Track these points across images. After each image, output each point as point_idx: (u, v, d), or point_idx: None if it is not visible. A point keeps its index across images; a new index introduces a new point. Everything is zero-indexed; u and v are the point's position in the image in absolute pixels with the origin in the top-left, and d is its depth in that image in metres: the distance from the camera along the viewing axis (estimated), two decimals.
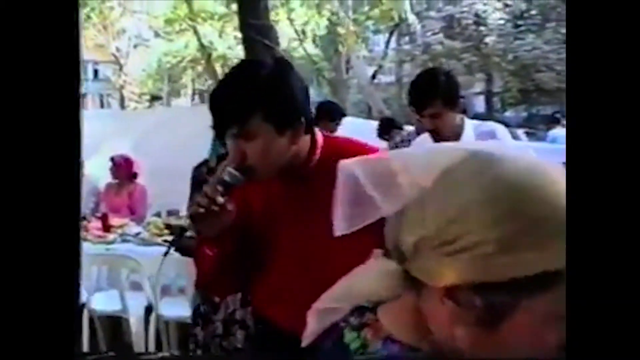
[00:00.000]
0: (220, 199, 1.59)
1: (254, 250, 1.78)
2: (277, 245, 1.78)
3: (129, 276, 4.10)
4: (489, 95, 19.32)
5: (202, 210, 1.59)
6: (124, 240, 4.56)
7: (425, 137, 2.98)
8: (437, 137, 2.88)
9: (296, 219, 1.74)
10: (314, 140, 1.70)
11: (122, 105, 20.94)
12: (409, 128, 6.20)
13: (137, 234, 4.63)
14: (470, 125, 2.92)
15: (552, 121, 11.71)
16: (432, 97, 2.76)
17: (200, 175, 3.32)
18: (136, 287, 4.08)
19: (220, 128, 1.61)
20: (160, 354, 3.88)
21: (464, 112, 3.19)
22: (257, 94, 1.56)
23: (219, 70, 20.27)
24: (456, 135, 2.89)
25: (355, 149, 1.78)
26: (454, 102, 2.82)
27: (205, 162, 3.48)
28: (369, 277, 0.88)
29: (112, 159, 5.55)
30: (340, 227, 0.90)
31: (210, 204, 1.59)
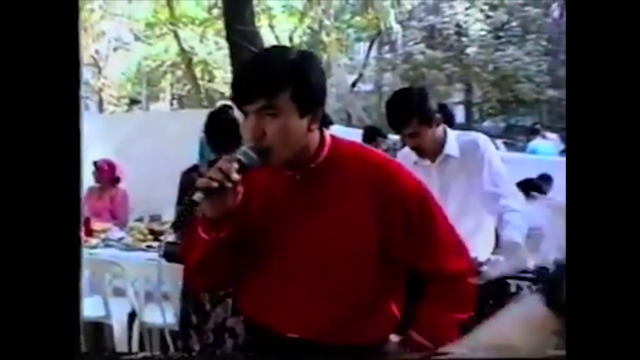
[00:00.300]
0: (236, 176, 1.57)
1: (249, 245, 1.75)
2: (274, 243, 1.75)
3: (112, 281, 4.05)
4: (468, 105, 19.43)
5: (215, 184, 1.56)
6: (107, 245, 4.51)
7: (408, 150, 3.01)
8: (420, 151, 2.91)
9: (297, 216, 1.72)
10: (322, 138, 1.71)
11: (101, 109, 20.75)
12: (394, 137, 6.22)
13: (120, 238, 4.58)
14: (452, 136, 2.97)
15: (532, 132, 11.83)
16: (408, 118, 2.83)
17: (190, 181, 3.30)
18: (119, 292, 4.03)
19: (245, 101, 1.59)
20: (141, 354, 3.82)
21: (449, 122, 3.22)
22: (288, 71, 1.59)
23: (199, 75, 20.19)
24: (439, 147, 2.92)
25: (361, 152, 1.81)
26: (430, 119, 2.87)
27: (195, 168, 3.46)
28: (526, 330, 0.78)
29: (95, 163, 5.50)
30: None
31: (225, 179, 1.57)
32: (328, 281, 1.72)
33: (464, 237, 2.83)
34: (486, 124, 19.68)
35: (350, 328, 1.73)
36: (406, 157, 3.03)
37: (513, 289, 2.27)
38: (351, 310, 1.73)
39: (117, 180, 5.62)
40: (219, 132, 3.35)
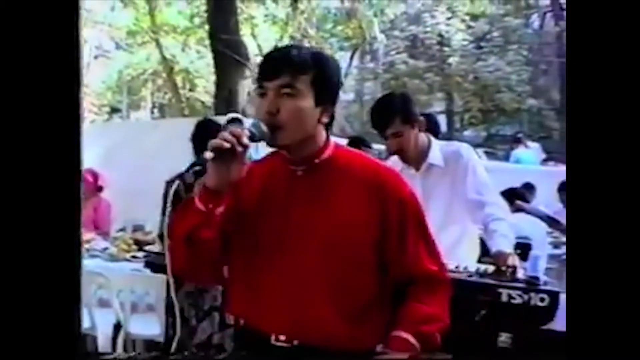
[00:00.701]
0: (246, 141, 1.61)
1: (241, 237, 1.75)
2: (268, 238, 1.74)
3: (97, 292, 4.01)
4: (449, 114, 19.51)
5: (227, 145, 1.59)
6: (92, 256, 4.46)
7: (395, 160, 3.03)
8: (404, 156, 2.93)
9: (294, 212, 1.74)
10: (328, 138, 1.78)
11: None
12: (379, 147, 6.22)
13: (105, 249, 4.53)
14: (436, 145, 3.00)
15: (515, 141, 11.92)
16: (390, 118, 2.93)
17: (175, 190, 3.27)
18: (104, 303, 3.99)
19: (271, 75, 1.67)
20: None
21: (435, 132, 3.25)
22: (312, 58, 1.71)
23: (180, 84, 20.11)
24: (423, 155, 2.95)
25: (362, 157, 1.87)
26: (412, 120, 2.96)
27: (180, 176, 3.42)
28: None
29: None
30: None
31: (236, 143, 1.60)
32: (321, 281, 1.71)
33: (449, 245, 2.86)
34: (467, 133, 19.76)
35: (339, 332, 1.71)
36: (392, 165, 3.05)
37: (505, 298, 2.27)
38: (341, 313, 1.72)
39: (99, 189, 5.57)
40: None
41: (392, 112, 2.95)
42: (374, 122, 3.00)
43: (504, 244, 2.67)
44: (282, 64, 1.68)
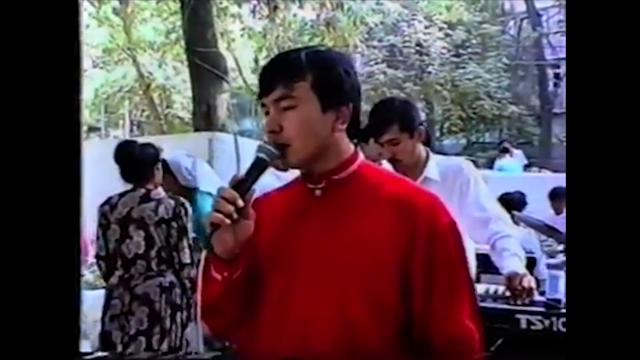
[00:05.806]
0: (240, 202, 1.41)
1: (259, 278, 1.55)
2: (282, 269, 1.54)
3: None
4: (429, 123, 19.51)
5: (227, 221, 1.40)
6: None
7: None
8: (398, 166, 2.75)
9: (311, 238, 1.52)
10: (355, 153, 1.57)
11: None
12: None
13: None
14: (434, 159, 2.84)
15: (502, 151, 11.95)
16: (388, 124, 2.73)
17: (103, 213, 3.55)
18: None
19: (265, 91, 1.51)
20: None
21: (428, 143, 3.09)
22: (306, 60, 1.51)
23: (157, 101, 19.93)
24: (420, 168, 2.78)
25: (395, 177, 1.66)
26: (411, 129, 2.76)
27: (108, 200, 3.63)
28: None
29: None
30: None
31: (232, 211, 1.41)
32: (331, 327, 1.47)
33: None
34: (447, 141, 19.77)
35: None
36: None
37: (524, 324, 2.04)
38: (354, 344, 1.47)
39: None
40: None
41: (391, 117, 2.74)
42: (370, 128, 2.79)
43: (516, 264, 2.44)
44: (274, 75, 1.51)
